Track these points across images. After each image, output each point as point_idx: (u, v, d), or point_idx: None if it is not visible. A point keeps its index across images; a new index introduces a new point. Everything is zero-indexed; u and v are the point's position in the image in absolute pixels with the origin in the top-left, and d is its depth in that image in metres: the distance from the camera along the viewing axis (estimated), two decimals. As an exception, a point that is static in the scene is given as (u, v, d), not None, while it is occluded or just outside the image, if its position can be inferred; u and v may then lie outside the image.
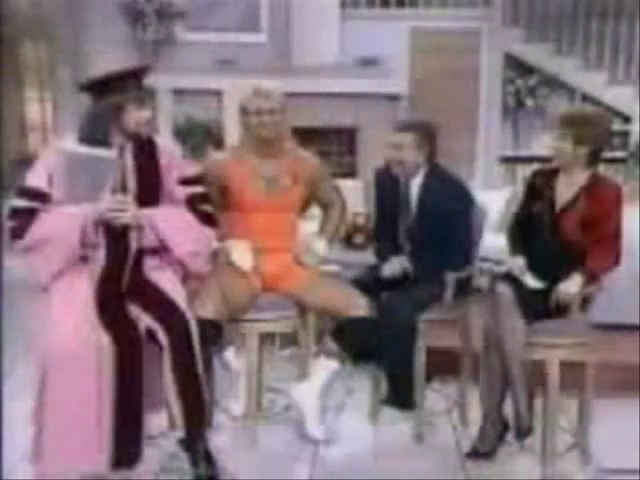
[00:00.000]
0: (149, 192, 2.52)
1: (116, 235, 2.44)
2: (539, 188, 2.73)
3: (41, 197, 2.45)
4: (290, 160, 2.88)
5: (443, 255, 2.84)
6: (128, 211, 2.41)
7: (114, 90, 2.43)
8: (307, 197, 2.99)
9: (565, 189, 2.67)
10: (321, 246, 2.95)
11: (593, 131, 2.61)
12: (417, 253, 2.89)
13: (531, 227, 2.72)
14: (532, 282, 2.63)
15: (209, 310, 2.56)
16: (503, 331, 2.54)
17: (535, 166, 6.43)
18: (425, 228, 2.87)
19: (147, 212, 2.47)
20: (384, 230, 3.04)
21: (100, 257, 2.43)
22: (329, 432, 2.92)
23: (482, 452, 2.69)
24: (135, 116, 2.46)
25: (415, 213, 2.92)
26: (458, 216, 2.87)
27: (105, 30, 6.35)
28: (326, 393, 2.88)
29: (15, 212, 2.46)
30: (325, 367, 2.82)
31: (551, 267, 2.61)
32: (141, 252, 2.49)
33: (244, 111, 2.81)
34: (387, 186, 3.01)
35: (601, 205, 2.58)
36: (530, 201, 2.76)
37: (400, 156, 2.88)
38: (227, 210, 2.85)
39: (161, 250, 2.53)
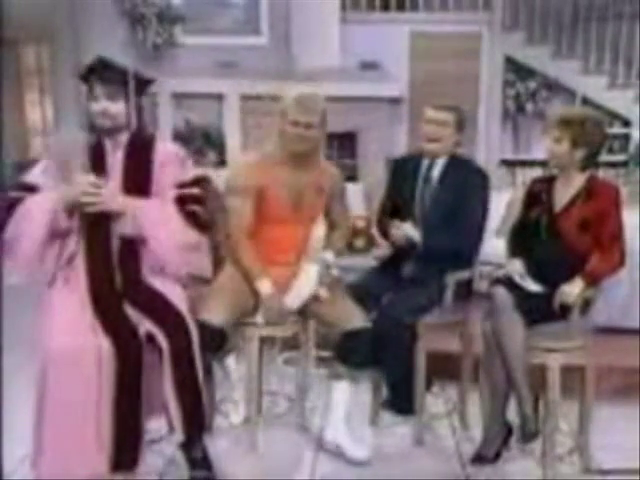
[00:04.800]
0: (135, 185, 2.51)
1: (94, 223, 2.45)
2: (538, 194, 2.73)
3: (30, 189, 2.47)
4: (317, 172, 2.81)
5: (451, 239, 2.82)
6: (101, 196, 2.41)
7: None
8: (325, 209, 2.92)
9: (563, 192, 2.67)
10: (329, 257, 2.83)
11: (590, 133, 2.60)
12: (427, 235, 2.84)
13: (531, 231, 2.72)
14: (531, 285, 2.62)
15: (216, 317, 2.55)
16: (502, 334, 2.53)
17: (535, 170, 6.49)
18: (441, 208, 2.85)
19: (129, 201, 2.47)
20: (392, 210, 3.00)
21: (74, 244, 2.45)
22: (369, 449, 2.82)
23: (487, 458, 2.68)
24: (95, 105, 2.47)
25: (435, 191, 2.89)
26: (474, 200, 2.86)
27: (106, 33, 6.35)
28: (350, 416, 2.83)
29: (3, 206, 2.47)
30: (340, 392, 2.78)
31: (552, 271, 2.60)
32: (136, 253, 2.50)
33: (283, 116, 2.69)
34: (407, 170, 2.97)
35: (599, 207, 2.57)
36: (529, 207, 2.76)
37: (441, 133, 2.86)
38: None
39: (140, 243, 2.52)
